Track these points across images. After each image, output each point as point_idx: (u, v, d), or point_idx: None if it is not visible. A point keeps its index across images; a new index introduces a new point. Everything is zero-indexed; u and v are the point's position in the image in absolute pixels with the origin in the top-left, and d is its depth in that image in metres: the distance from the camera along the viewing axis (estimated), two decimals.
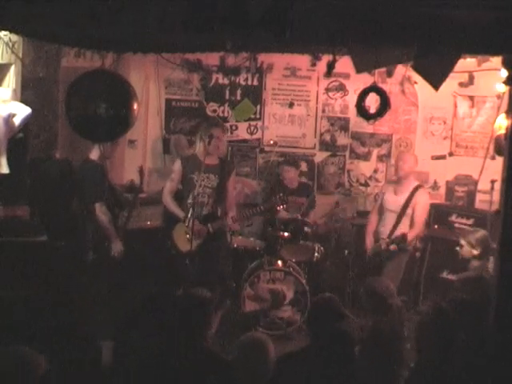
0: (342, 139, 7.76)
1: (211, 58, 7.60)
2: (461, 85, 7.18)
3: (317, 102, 7.77)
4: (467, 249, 5.49)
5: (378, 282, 4.79)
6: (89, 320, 4.75)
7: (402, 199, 6.26)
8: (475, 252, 5.43)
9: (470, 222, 6.67)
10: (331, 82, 7.65)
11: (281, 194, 6.39)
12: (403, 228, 6.21)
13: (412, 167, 6.37)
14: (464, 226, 6.57)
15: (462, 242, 5.53)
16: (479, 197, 7.15)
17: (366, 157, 7.72)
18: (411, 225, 6.24)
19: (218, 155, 6.23)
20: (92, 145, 5.88)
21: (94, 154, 5.93)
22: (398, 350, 4.16)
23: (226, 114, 7.95)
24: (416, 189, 6.27)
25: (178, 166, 6.22)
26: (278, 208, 6.43)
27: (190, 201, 6.01)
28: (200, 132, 6.29)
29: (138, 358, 3.72)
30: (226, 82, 7.88)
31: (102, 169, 5.97)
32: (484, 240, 5.47)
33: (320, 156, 7.84)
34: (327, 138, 7.80)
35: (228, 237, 6.65)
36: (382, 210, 6.48)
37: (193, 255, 5.88)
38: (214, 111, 7.96)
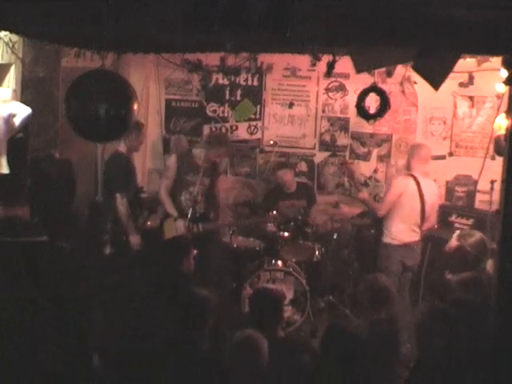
0: (342, 139, 7.76)
1: (211, 58, 7.59)
2: (461, 85, 7.18)
3: (317, 102, 7.77)
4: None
5: (381, 277, 4.85)
6: (90, 320, 4.75)
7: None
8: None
9: (470, 222, 6.67)
10: (331, 82, 7.65)
11: (274, 212, 6.47)
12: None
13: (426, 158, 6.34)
14: (464, 226, 6.57)
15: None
16: (479, 197, 7.14)
17: (365, 157, 7.72)
18: (422, 218, 6.23)
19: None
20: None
21: (122, 147, 6.12)
22: (397, 348, 4.18)
23: (226, 114, 7.96)
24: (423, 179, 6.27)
25: (172, 162, 6.37)
26: (268, 225, 6.57)
27: (182, 198, 6.20)
28: (206, 142, 6.43)
29: (135, 358, 3.73)
30: (226, 82, 7.89)
31: (127, 161, 6.20)
32: (480, 243, 5.38)
33: (320, 156, 7.84)
34: (327, 138, 7.80)
35: (227, 237, 6.73)
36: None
37: None
38: (214, 111, 7.97)
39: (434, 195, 6.37)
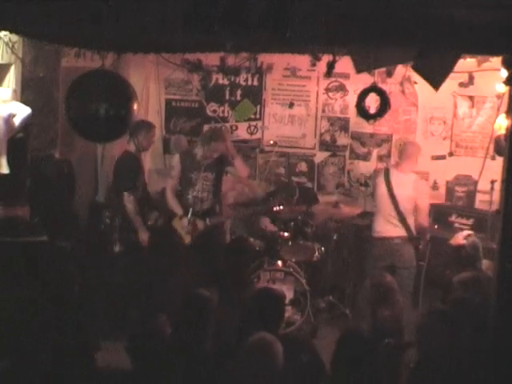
0: (342, 139, 7.75)
1: (211, 58, 7.59)
2: (461, 85, 7.17)
3: (317, 102, 7.77)
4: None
5: (387, 276, 4.88)
6: (89, 320, 4.75)
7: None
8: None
9: (470, 222, 6.66)
10: (331, 82, 7.65)
11: (282, 196, 6.51)
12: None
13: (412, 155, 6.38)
14: (464, 226, 6.56)
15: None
16: (479, 197, 7.14)
17: (365, 157, 7.72)
18: (397, 211, 6.23)
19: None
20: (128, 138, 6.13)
21: (132, 147, 6.19)
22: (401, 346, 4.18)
23: (226, 114, 7.97)
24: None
25: (176, 161, 6.43)
26: (275, 209, 6.57)
27: (189, 196, 6.28)
28: (202, 139, 6.46)
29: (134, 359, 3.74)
30: (226, 82, 7.89)
31: (136, 160, 6.26)
32: (474, 246, 5.39)
33: (320, 156, 7.84)
34: (327, 138, 7.80)
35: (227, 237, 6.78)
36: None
37: (188, 247, 6.22)
38: (214, 111, 7.97)
39: (409, 190, 6.21)
